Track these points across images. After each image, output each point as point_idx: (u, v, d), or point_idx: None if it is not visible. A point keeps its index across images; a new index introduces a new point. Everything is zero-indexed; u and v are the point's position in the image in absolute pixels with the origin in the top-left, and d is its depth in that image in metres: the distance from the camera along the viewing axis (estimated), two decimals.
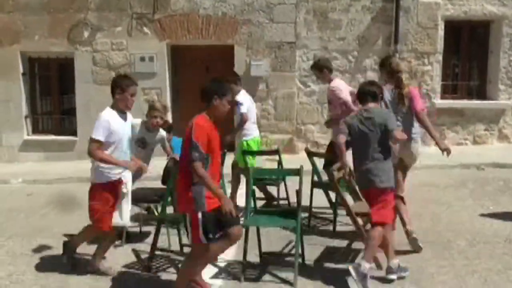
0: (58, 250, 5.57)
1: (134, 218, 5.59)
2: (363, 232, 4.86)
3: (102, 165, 4.60)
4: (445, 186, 7.78)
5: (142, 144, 5.78)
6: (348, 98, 6.15)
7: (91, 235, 5.06)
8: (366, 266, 4.31)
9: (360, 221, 5.03)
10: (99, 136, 4.52)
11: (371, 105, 4.69)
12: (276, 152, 6.70)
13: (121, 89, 4.61)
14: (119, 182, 4.73)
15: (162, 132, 5.94)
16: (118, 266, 5.00)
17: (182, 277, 4.29)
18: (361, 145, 4.60)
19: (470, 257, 5.03)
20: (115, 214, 4.75)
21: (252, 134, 6.79)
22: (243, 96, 6.72)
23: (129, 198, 4.86)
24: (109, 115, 4.60)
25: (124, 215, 4.82)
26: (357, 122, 4.63)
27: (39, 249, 5.64)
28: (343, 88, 6.34)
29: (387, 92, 5.18)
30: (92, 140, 4.54)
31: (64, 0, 10.62)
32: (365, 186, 4.65)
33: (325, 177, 5.61)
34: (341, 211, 5.74)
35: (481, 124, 10.75)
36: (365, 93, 4.74)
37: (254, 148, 6.75)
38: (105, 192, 4.66)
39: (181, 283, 4.26)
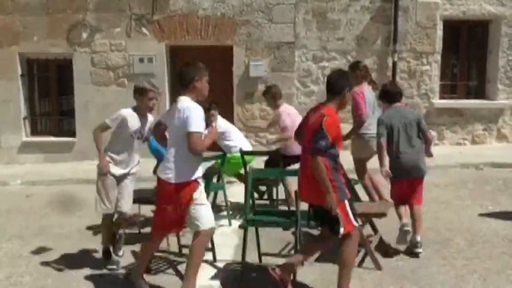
0: (57, 251, 5.57)
1: (132, 220, 5.56)
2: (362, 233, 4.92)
3: None
4: (444, 186, 7.79)
5: (140, 135, 5.07)
6: (287, 123, 6.46)
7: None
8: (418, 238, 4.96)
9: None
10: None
11: (398, 104, 5.24)
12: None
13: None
14: None
15: (151, 117, 5.19)
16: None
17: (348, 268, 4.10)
18: (399, 139, 5.06)
19: (469, 257, 5.04)
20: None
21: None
22: (223, 124, 6.73)
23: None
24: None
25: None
26: (395, 120, 5.11)
27: (38, 250, 5.62)
28: (290, 113, 6.70)
29: (369, 93, 5.90)
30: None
31: (63, 1, 10.60)
32: (409, 175, 5.12)
33: None
34: None
35: (479, 124, 10.77)
36: (392, 94, 5.32)
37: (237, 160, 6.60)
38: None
39: (348, 275, 4.10)
